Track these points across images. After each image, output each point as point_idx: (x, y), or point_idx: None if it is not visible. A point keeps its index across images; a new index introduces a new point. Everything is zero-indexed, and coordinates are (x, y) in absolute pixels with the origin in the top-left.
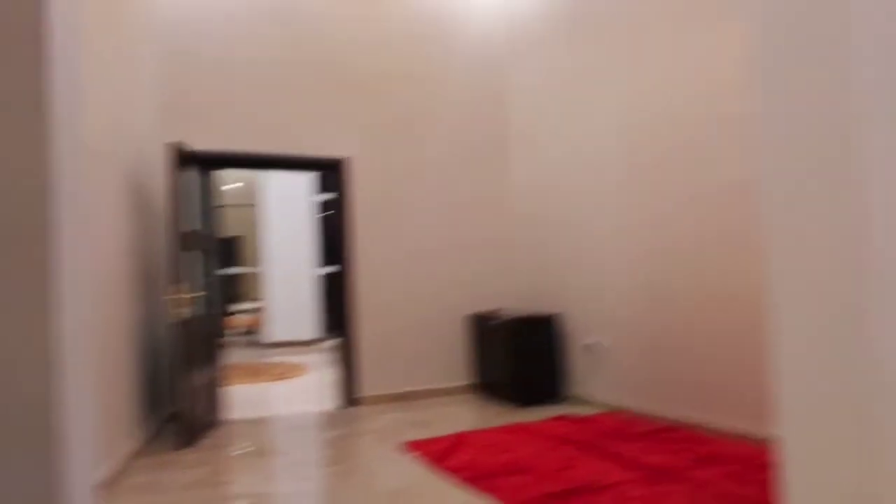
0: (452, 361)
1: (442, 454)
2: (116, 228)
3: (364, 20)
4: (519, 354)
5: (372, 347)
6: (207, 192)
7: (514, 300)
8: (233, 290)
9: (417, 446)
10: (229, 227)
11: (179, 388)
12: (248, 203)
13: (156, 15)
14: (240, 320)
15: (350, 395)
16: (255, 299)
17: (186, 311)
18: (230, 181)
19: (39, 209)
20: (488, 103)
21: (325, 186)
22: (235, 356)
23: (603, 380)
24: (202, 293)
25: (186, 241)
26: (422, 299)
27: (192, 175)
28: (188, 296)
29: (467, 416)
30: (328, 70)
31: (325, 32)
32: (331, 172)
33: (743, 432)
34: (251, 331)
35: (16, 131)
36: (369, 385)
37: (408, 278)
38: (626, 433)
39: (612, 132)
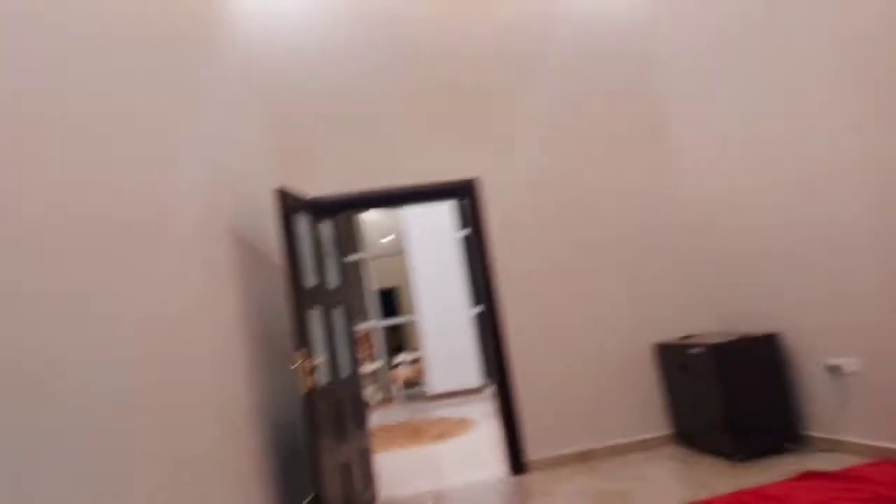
0: (640, 406)
1: None
2: (223, 293)
3: (472, 29)
4: (731, 389)
5: (536, 396)
6: (339, 241)
7: (707, 322)
8: (396, 342)
9: None
10: (387, 277)
11: (317, 467)
12: (400, 251)
13: (258, 63)
14: (402, 373)
15: (517, 458)
16: (415, 349)
17: (317, 378)
18: (382, 232)
19: None
20: (633, 81)
21: (465, 217)
22: (396, 414)
23: (857, 413)
24: (335, 355)
25: (312, 297)
26: (589, 332)
27: (322, 225)
28: (316, 361)
29: (674, 479)
30: (443, 89)
31: (434, 49)
32: (465, 199)
33: None
34: (414, 383)
35: None
36: (540, 444)
37: (569, 308)
38: None
39: (824, 80)
